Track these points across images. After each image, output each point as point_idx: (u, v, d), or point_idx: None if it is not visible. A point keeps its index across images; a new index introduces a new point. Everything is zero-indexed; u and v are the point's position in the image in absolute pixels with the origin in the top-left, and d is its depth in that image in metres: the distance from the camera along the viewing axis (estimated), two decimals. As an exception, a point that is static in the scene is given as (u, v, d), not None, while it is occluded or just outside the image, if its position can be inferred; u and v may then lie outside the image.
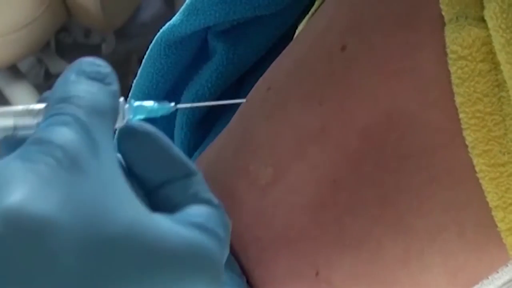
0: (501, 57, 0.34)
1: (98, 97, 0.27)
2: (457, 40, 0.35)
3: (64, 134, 0.25)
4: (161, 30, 0.45)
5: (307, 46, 0.41)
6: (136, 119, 0.31)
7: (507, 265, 0.35)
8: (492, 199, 0.34)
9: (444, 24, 0.36)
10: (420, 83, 0.36)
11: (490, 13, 0.34)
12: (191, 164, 0.30)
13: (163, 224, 0.26)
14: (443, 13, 0.36)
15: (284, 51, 0.43)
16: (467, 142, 0.35)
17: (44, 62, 1.65)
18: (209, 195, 0.29)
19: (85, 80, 0.27)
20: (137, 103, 0.31)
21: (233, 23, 0.46)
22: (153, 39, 0.46)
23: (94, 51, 1.60)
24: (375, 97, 0.37)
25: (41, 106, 0.28)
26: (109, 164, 0.26)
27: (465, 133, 0.35)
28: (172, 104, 0.32)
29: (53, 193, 0.23)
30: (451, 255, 0.36)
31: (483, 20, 0.35)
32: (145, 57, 0.46)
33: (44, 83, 1.65)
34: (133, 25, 1.64)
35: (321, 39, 0.40)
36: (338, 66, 0.38)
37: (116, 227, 0.24)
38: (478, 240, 0.35)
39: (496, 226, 0.34)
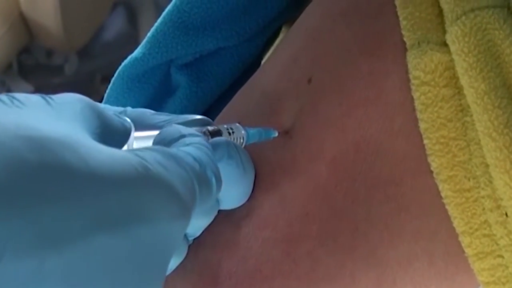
0: (464, 81, 0.34)
1: None
2: (420, 65, 0.35)
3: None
4: (123, 64, 0.45)
5: (274, 78, 0.41)
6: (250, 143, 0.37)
7: (476, 292, 0.35)
8: (458, 224, 0.35)
9: (406, 50, 0.36)
10: (385, 111, 0.36)
11: (452, 37, 0.35)
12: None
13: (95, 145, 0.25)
14: (405, 39, 0.36)
15: (250, 81, 0.43)
16: (432, 168, 0.35)
17: (6, 83, 1.63)
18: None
19: None
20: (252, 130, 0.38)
21: (196, 56, 0.46)
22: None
23: (57, 72, 1.59)
24: (343, 128, 0.37)
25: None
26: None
27: (430, 159, 0.35)
28: (276, 132, 0.38)
29: None
30: (423, 285, 0.36)
31: (445, 44, 0.35)
32: (107, 91, 0.45)
33: (6, 105, 1.62)
34: (96, 44, 1.62)
35: (287, 71, 0.40)
36: (305, 99, 0.38)
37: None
38: (448, 268, 0.36)
39: (464, 252, 0.35)
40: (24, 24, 1.43)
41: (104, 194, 0.23)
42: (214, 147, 0.35)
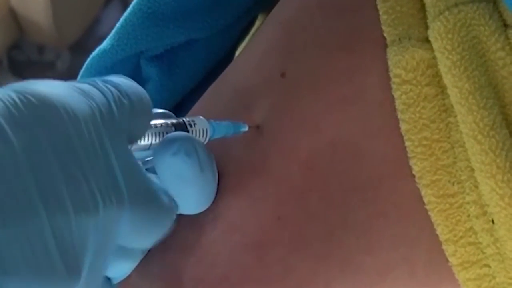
0: (447, 80, 0.34)
1: None
2: (401, 63, 0.34)
3: None
4: (90, 56, 0.44)
5: (246, 74, 0.40)
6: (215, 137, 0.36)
7: (461, 303, 0.35)
8: (442, 232, 0.34)
9: (386, 46, 0.36)
10: (364, 110, 0.35)
11: (434, 33, 0.34)
12: None
13: None
14: (385, 35, 0.36)
15: (221, 77, 0.42)
16: (414, 172, 0.34)
17: (-3, 81, 1.63)
18: None
19: None
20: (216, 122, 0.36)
21: (167, 47, 0.45)
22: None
23: (49, 68, 1.58)
24: (318, 126, 0.36)
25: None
26: None
27: (411, 162, 0.34)
28: (246, 126, 0.37)
29: None
30: None
31: (427, 41, 0.35)
32: (75, 85, 0.44)
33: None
34: (91, 38, 1.62)
35: (260, 65, 0.39)
36: (278, 95, 0.38)
37: None
38: (430, 278, 0.35)
39: (448, 261, 0.34)
40: (14, 20, 1.43)
41: None
42: (171, 141, 0.34)
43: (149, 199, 0.31)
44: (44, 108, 0.26)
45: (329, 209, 0.35)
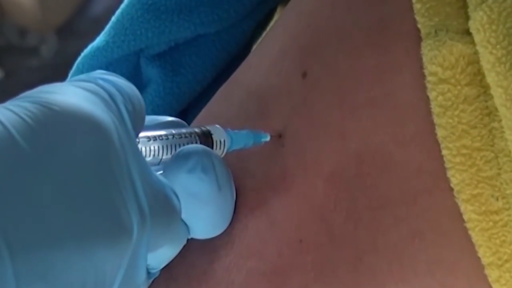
0: (490, 79, 0.33)
1: None
2: (437, 59, 0.34)
3: None
4: (82, 54, 0.44)
5: (262, 74, 0.40)
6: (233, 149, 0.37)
7: (504, 335, 0.35)
8: (484, 254, 0.34)
9: (420, 40, 0.35)
10: (394, 115, 0.36)
11: (476, 25, 0.34)
12: None
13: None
14: (419, 26, 0.36)
15: (233, 78, 0.42)
16: (452, 185, 0.34)
17: (-24, 67, 1.64)
18: None
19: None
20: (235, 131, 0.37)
21: (171, 44, 0.45)
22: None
23: (32, 54, 1.59)
24: (343, 134, 0.36)
25: None
26: None
27: (449, 174, 0.34)
28: (268, 135, 0.37)
29: None
30: None
31: (468, 33, 0.35)
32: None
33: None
34: (81, 21, 1.63)
35: (278, 64, 0.40)
36: (299, 98, 0.38)
37: None
38: None
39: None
40: (-7, 1, 1.43)
41: None
42: (185, 156, 0.34)
43: (167, 209, 0.32)
44: (68, 119, 0.27)
45: (356, 231, 0.35)
